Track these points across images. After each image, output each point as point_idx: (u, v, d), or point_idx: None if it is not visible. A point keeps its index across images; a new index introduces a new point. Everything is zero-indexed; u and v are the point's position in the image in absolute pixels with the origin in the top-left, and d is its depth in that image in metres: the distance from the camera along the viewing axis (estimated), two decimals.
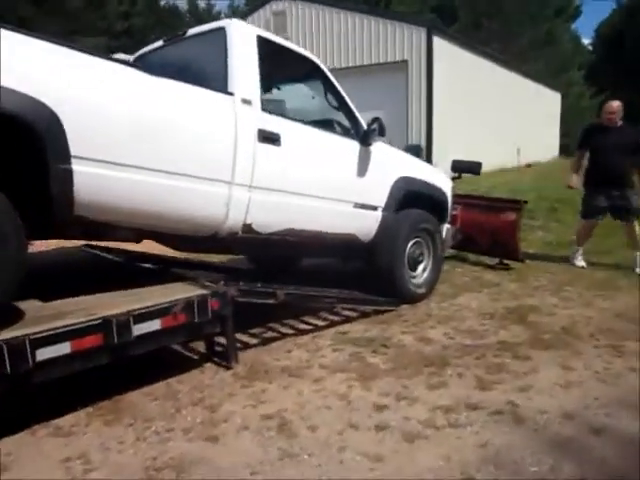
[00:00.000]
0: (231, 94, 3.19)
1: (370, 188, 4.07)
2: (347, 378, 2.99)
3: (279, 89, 4.56)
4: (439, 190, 4.74)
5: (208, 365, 3.22)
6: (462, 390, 2.82)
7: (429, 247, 4.66)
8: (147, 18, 30.46)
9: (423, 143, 13.11)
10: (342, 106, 4.03)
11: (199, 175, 2.99)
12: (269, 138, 3.34)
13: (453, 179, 5.69)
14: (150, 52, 3.93)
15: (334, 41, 14.23)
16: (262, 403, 2.73)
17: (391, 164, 4.27)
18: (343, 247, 4.10)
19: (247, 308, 3.21)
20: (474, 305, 4.37)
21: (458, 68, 13.64)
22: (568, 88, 26.25)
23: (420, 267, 4.62)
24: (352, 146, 3.95)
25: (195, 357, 3.37)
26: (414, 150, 6.96)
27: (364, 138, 3.96)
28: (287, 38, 3.87)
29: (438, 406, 2.65)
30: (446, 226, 4.90)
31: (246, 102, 3.25)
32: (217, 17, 30.71)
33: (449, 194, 4.89)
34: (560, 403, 2.66)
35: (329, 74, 3.92)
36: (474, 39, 18.21)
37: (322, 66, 3.90)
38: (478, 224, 5.76)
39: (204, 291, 3.03)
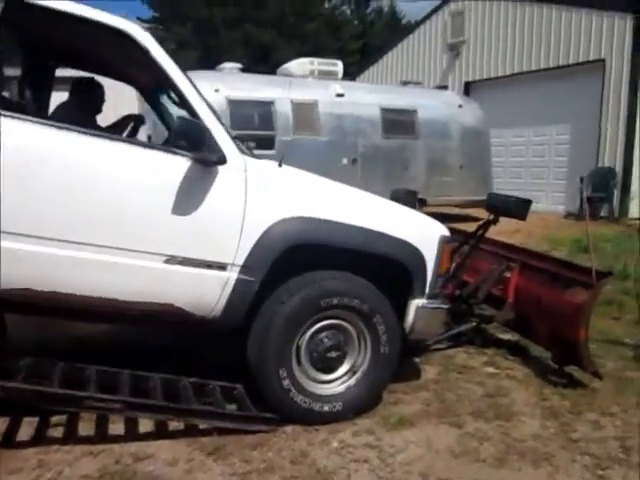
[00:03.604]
0: None
1: (207, 234, 2.51)
2: None
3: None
4: (398, 244, 2.81)
5: None
6: None
7: (363, 337, 2.81)
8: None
9: (619, 166, 9.86)
10: (184, 103, 2.57)
11: None
12: None
13: (488, 223, 3.60)
14: None
15: (516, 41, 11.76)
16: None
17: (266, 196, 2.60)
18: (163, 320, 2.62)
19: None
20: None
21: None
22: None
23: (341, 370, 2.81)
24: (171, 165, 2.46)
25: None
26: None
27: (201, 153, 2.44)
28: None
29: None
30: (418, 303, 2.92)
31: None
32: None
33: (429, 253, 2.91)
34: None
35: (154, 48, 2.49)
36: None
37: (140, 37, 2.48)
38: (535, 300, 3.51)
39: None
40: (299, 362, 2.70)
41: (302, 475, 2.29)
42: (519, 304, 3.65)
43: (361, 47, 28.70)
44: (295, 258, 2.60)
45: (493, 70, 12.32)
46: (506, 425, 2.75)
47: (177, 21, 27.62)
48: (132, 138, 2.68)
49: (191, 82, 2.58)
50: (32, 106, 3.10)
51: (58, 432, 2.54)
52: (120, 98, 3.90)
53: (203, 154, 2.43)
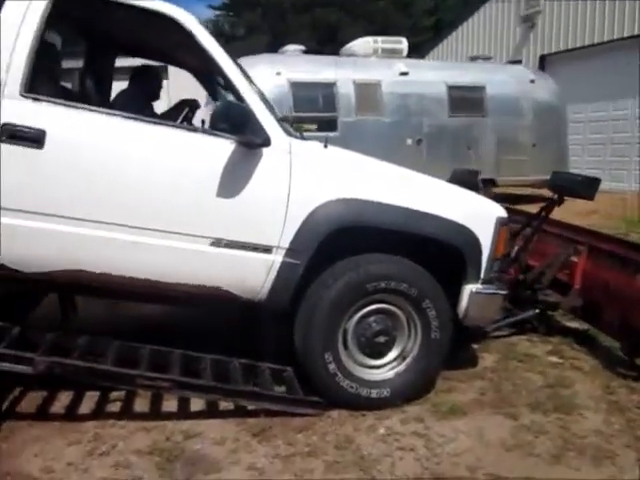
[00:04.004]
0: None
1: (253, 217, 2.50)
2: None
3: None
4: (449, 226, 2.69)
5: None
6: None
7: (412, 322, 2.73)
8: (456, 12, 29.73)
9: None
10: (229, 86, 2.56)
11: None
12: (21, 137, 2.25)
13: (552, 204, 3.38)
14: None
15: (596, 9, 10.94)
16: None
17: (311, 178, 2.56)
18: (211, 303, 2.65)
19: None
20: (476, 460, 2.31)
21: None
22: None
23: (390, 355, 2.74)
24: (216, 148, 2.46)
25: None
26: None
27: (245, 136, 2.43)
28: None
29: None
30: (472, 288, 2.79)
31: None
32: None
33: (485, 236, 2.77)
34: None
35: (198, 31, 2.49)
36: None
37: (184, 20, 2.49)
38: (604, 286, 3.27)
39: None
40: (346, 347, 2.66)
41: (345, 461, 2.26)
42: (587, 290, 3.42)
43: (434, 23, 27.75)
44: (341, 241, 2.55)
45: (571, 41, 11.56)
46: (566, 419, 2.59)
47: (247, 7, 27.96)
48: (177, 122, 2.71)
49: (236, 64, 2.58)
50: (94, 96, 3.21)
51: (116, 407, 2.65)
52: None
53: (247, 136, 2.42)
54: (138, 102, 3.37)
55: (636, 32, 10.07)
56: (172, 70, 7.35)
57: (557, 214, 3.75)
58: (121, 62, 3.82)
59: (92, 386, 2.60)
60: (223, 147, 2.45)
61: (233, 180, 2.45)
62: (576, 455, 2.31)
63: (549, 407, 2.70)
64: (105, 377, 2.39)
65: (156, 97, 3.83)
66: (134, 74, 3.81)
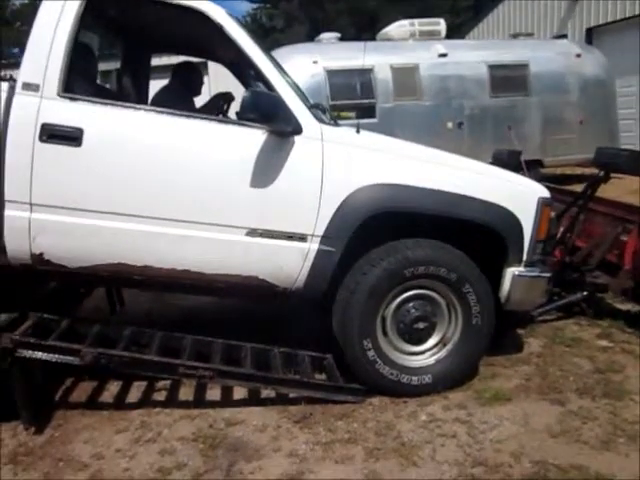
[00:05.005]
0: None
1: (287, 205, 2.50)
2: None
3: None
4: (488, 208, 2.62)
5: None
6: None
7: (453, 308, 2.68)
8: None
9: None
10: (259, 76, 2.56)
11: None
12: (60, 136, 2.32)
13: (597, 181, 3.24)
14: None
15: None
16: None
17: (344, 164, 2.53)
18: (248, 292, 2.68)
19: None
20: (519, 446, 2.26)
21: None
22: None
23: (430, 341, 2.71)
24: (248, 138, 2.47)
25: None
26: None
27: (276, 124, 2.43)
28: None
29: None
30: (514, 271, 2.71)
31: (28, 87, 2.32)
32: None
33: (526, 217, 2.68)
34: None
35: (228, 24, 2.50)
36: None
37: (213, 13, 2.50)
38: None
39: None
40: (385, 333, 2.64)
41: (385, 447, 2.25)
42: (638, 270, 3.27)
43: (474, 3, 27.03)
44: (378, 227, 2.53)
45: (620, 11, 10.99)
46: (616, 404, 2.50)
47: None
48: (208, 115, 2.73)
49: (267, 54, 2.59)
50: (131, 93, 3.29)
51: (161, 396, 2.73)
52: None
53: (278, 125, 2.42)
54: (178, 98, 3.41)
55: None
56: (212, 66, 7.43)
57: (609, 192, 3.60)
58: (162, 60, 3.88)
59: (139, 376, 2.67)
60: (255, 137, 2.46)
61: (266, 169, 2.46)
62: (625, 441, 2.22)
63: (598, 393, 2.61)
64: (148, 367, 2.46)
65: (197, 93, 3.88)
66: (175, 70, 3.87)
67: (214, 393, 2.74)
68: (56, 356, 2.37)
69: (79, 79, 2.51)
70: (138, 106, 2.58)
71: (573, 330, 3.38)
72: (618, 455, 2.15)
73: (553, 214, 3.09)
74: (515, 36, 10.18)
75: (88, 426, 2.46)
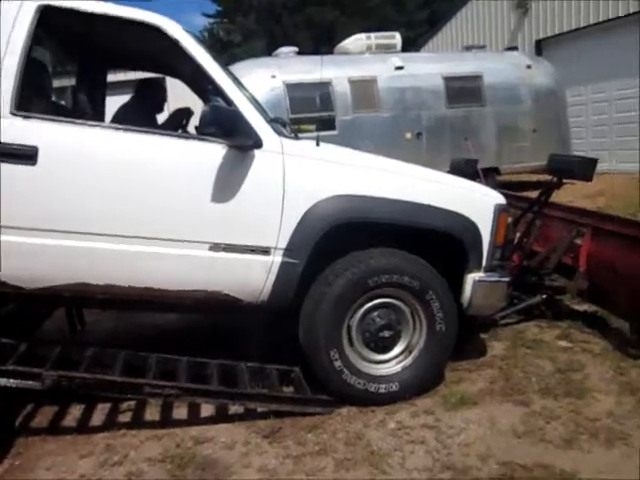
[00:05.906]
0: None
1: (249, 219, 2.51)
2: None
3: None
4: (446, 216, 2.68)
5: None
6: None
7: (417, 315, 2.72)
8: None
9: None
10: (217, 90, 2.57)
11: None
12: (14, 155, 2.27)
13: (551, 187, 3.36)
14: None
15: None
16: None
17: (305, 177, 2.56)
18: (213, 308, 2.66)
19: None
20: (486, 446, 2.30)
21: None
22: None
23: (396, 349, 2.74)
24: (208, 153, 2.46)
25: None
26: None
27: (236, 139, 2.43)
28: None
29: None
30: (474, 277, 2.78)
31: None
32: None
33: (484, 224, 2.75)
34: None
35: (183, 39, 2.50)
36: None
37: (168, 28, 2.49)
38: (611, 267, 3.24)
39: None
40: (351, 343, 2.66)
41: (355, 457, 2.26)
42: (593, 272, 3.39)
43: (428, 17, 27.70)
44: (340, 238, 2.55)
45: (566, 23, 11.44)
46: (577, 402, 2.57)
47: (240, 12, 28.01)
48: (167, 130, 2.72)
49: (224, 68, 2.59)
50: (88, 110, 3.23)
51: (127, 417, 2.67)
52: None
53: (238, 139, 2.43)
54: (140, 114, 3.38)
55: (631, 10, 9.94)
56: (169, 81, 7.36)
57: (564, 197, 3.72)
58: (119, 76, 3.84)
59: (103, 397, 2.62)
60: (215, 151, 2.45)
61: (227, 184, 2.46)
62: (588, 438, 2.29)
63: (560, 392, 2.68)
64: (112, 388, 2.41)
65: (160, 109, 3.85)
66: (138, 87, 3.83)
67: (181, 412, 2.69)
68: (16, 381, 2.29)
69: (33, 96, 2.47)
70: (94, 123, 2.54)
71: (534, 332, 3.47)
72: (581, 452, 2.21)
73: (510, 220, 3.18)
74: (468, 48, 10.48)
75: (51, 452, 2.38)
